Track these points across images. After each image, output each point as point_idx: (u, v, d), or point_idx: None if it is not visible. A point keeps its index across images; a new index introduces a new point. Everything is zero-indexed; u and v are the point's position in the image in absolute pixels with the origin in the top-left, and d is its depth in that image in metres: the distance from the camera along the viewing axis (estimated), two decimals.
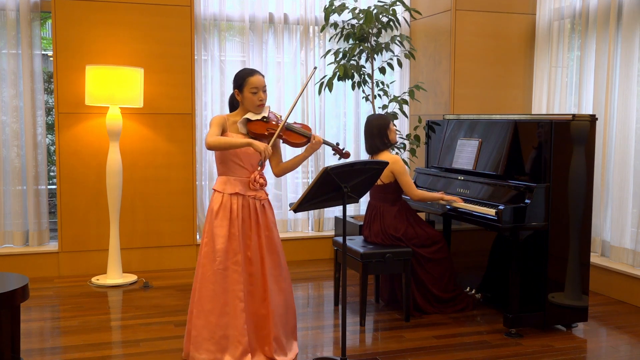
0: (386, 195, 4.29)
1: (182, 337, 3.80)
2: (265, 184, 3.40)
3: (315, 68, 3.70)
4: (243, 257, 3.34)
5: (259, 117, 3.37)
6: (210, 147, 3.23)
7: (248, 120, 3.36)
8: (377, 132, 4.29)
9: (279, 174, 3.56)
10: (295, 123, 3.51)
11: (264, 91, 3.38)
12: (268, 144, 3.36)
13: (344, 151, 3.61)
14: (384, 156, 4.26)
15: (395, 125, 5.63)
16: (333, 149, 3.60)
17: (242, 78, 3.37)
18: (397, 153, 5.44)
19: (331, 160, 6.14)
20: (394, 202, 4.30)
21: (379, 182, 4.26)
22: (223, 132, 3.35)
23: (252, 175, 3.35)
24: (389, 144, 4.32)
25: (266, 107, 3.42)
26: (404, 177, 4.20)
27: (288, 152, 5.40)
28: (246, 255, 3.36)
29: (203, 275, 3.32)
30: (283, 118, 3.44)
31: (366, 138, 4.36)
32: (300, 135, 3.44)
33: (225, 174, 3.37)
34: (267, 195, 3.46)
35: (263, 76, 3.42)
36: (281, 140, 3.45)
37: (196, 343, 3.30)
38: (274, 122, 3.41)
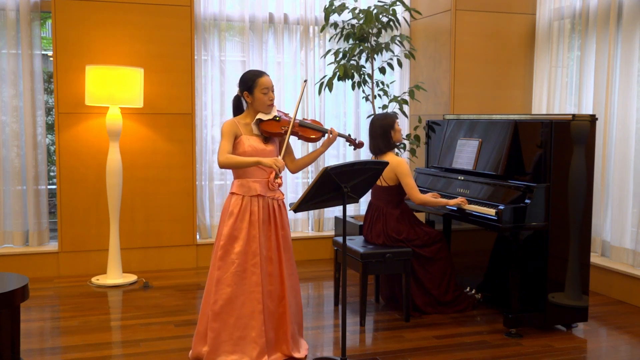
0: (390, 198, 4.29)
1: (182, 337, 3.81)
2: (282, 184, 3.45)
3: (305, 81, 3.72)
4: (263, 257, 3.37)
5: (270, 116, 3.42)
6: (222, 166, 3.31)
7: (260, 120, 3.40)
8: (381, 133, 4.27)
9: (294, 170, 3.60)
10: (305, 119, 3.57)
11: (273, 91, 3.43)
12: (284, 142, 3.43)
13: (357, 141, 3.66)
14: (388, 158, 4.25)
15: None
16: (347, 140, 3.64)
17: (252, 80, 3.39)
18: (397, 153, 5.44)
19: (332, 160, 6.15)
20: (397, 204, 4.30)
21: (383, 183, 4.26)
22: (236, 138, 3.37)
23: (270, 177, 3.38)
24: (392, 145, 4.31)
25: (274, 107, 3.47)
26: (407, 179, 4.19)
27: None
28: (267, 255, 3.39)
29: (220, 278, 3.32)
30: (291, 115, 3.48)
31: (370, 138, 4.35)
32: (315, 130, 3.51)
33: (242, 177, 3.39)
34: (283, 195, 3.51)
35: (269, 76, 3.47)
36: (297, 137, 3.49)
37: (214, 345, 3.30)
38: (286, 120, 3.45)
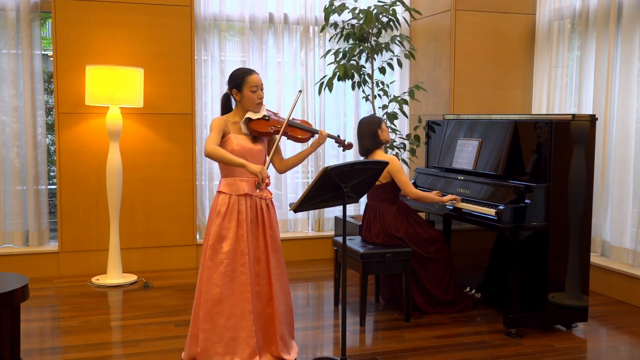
0: (384, 195, 4.29)
1: (183, 337, 3.80)
2: (270, 184, 3.43)
3: (300, 92, 3.61)
4: (252, 257, 3.35)
5: (259, 116, 3.39)
6: (207, 155, 3.23)
7: (249, 119, 3.38)
8: (367, 132, 4.28)
9: (282, 170, 3.57)
10: (294, 119, 3.53)
11: (262, 89, 3.41)
12: (273, 142, 3.41)
13: (346, 143, 3.65)
14: (378, 156, 4.25)
15: (395, 125, 5.64)
16: (336, 141, 3.63)
17: (241, 77, 3.38)
18: (396, 153, 5.45)
19: (332, 160, 6.15)
20: (393, 201, 4.30)
21: (376, 182, 4.26)
22: (224, 136, 3.35)
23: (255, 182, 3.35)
24: (380, 144, 4.31)
25: (263, 106, 3.44)
26: (400, 175, 4.20)
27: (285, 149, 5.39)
28: (255, 255, 3.37)
29: (209, 278, 3.30)
30: (283, 116, 3.46)
31: (358, 139, 4.36)
32: (304, 131, 3.49)
33: (230, 175, 3.36)
34: (271, 194, 3.48)
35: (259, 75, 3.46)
36: (285, 137, 3.47)
37: (205, 347, 3.29)
38: (275, 120, 3.43)
